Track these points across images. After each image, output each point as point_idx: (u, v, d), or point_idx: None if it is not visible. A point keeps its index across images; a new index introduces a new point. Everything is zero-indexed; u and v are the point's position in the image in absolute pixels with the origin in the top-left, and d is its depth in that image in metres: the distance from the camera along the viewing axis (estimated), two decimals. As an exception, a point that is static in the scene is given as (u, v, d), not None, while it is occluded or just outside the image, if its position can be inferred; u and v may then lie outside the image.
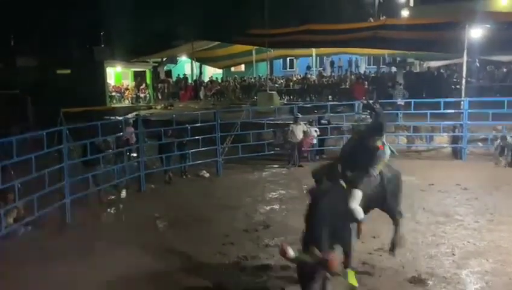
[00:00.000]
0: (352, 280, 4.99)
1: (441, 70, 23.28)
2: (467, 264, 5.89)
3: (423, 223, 7.33)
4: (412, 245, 6.37)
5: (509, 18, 15.46)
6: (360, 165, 5.27)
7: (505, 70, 22.53)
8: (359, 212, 5.17)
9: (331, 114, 13.55)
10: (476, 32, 13.90)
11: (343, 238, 4.95)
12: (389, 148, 5.71)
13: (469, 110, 12.25)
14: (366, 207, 5.32)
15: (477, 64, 21.38)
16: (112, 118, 16.37)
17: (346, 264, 5.09)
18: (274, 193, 9.89)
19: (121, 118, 14.34)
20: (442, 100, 12.60)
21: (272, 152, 12.98)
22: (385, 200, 5.54)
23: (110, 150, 10.15)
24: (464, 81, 14.44)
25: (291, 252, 4.28)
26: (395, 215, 5.76)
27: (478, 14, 14.66)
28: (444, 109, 12.54)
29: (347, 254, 5.07)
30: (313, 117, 13.88)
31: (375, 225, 6.89)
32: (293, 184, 10.66)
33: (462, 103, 12.76)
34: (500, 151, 11.42)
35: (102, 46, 27.64)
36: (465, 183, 9.58)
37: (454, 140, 12.88)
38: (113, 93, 25.32)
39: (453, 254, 6.18)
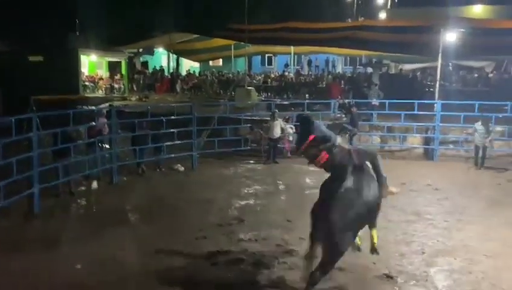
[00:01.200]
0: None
1: (417, 73, 23.80)
2: (435, 262, 6.01)
3: (394, 222, 7.44)
4: (383, 243, 6.43)
5: (482, 25, 15.89)
6: None
7: (476, 75, 23.19)
8: None
9: (301, 112, 13.63)
10: (450, 37, 14.21)
11: None
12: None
13: (441, 113, 12.54)
14: None
15: (450, 68, 21.93)
16: (84, 107, 15.98)
17: None
18: (249, 188, 9.87)
19: (94, 108, 13.99)
20: (416, 102, 12.84)
21: (249, 148, 12.96)
22: None
23: (82, 140, 9.90)
24: (437, 84, 14.74)
25: None
26: None
27: (453, 19, 15.00)
28: (417, 111, 12.79)
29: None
30: (290, 114, 13.94)
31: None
32: (268, 180, 10.69)
33: (435, 105, 13.05)
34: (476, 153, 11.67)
35: (77, 33, 26.94)
36: (436, 183, 9.79)
37: (427, 141, 13.17)
38: (87, 83, 24.73)
39: (423, 252, 6.29)
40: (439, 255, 6.22)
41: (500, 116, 12.31)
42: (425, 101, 14.11)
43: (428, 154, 12.90)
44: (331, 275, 5.55)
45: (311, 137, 4.87)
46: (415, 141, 13.39)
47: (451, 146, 13.08)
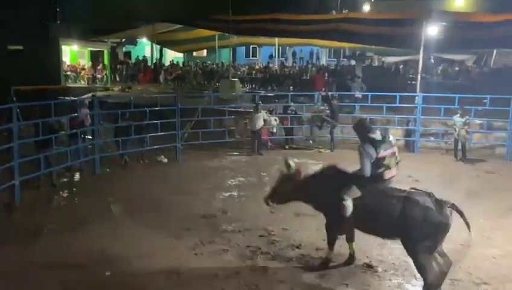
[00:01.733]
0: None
1: (399, 66, 24.06)
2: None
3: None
4: (365, 233, 6.56)
5: (464, 18, 16.10)
6: None
7: (457, 68, 23.55)
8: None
9: (288, 104, 13.71)
10: (432, 30, 14.37)
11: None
12: None
13: (422, 105, 12.74)
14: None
15: (432, 61, 22.22)
16: (66, 98, 15.75)
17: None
18: (233, 180, 9.90)
19: (76, 98, 13.80)
20: (397, 94, 13.01)
21: (233, 139, 12.97)
22: None
23: (64, 131, 9.79)
24: (419, 77, 14.93)
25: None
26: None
27: (435, 12, 15.17)
28: (399, 103, 12.96)
29: None
30: (274, 106, 13.99)
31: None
32: (252, 172, 10.73)
33: (416, 97, 13.25)
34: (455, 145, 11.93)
35: (58, 22, 26.39)
36: (417, 175, 9.95)
37: (408, 133, 13.37)
38: (68, 73, 24.36)
39: (403, 242, 6.42)
40: (419, 245, 6.36)
41: (480, 109, 12.56)
42: (407, 94, 14.29)
43: (409, 146, 13.11)
44: (313, 265, 5.69)
45: (395, 150, 5.22)
46: (396, 133, 13.53)
47: (431, 138, 13.31)
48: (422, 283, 5.31)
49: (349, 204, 5.09)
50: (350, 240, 5.62)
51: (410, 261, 5.82)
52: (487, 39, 15.65)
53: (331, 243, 5.62)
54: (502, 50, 21.69)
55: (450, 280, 5.32)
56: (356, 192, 5.11)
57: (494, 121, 12.60)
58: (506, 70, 20.51)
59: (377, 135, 5.20)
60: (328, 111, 13.34)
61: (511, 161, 11.82)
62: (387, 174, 5.11)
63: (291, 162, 5.62)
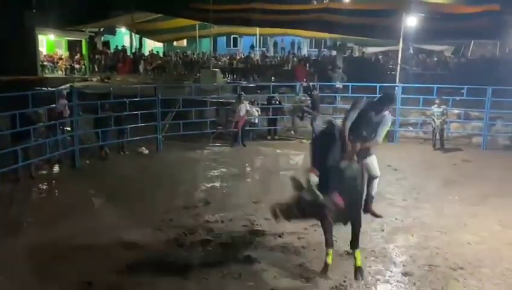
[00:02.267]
0: (359, 260, 5.19)
1: (379, 57, 24.29)
2: (393, 239, 6.30)
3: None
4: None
5: (442, 9, 16.33)
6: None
7: (435, 59, 23.92)
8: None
9: (272, 95, 13.70)
10: (411, 21, 14.54)
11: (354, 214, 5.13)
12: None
13: (402, 96, 12.92)
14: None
15: (411, 51, 22.50)
16: (43, 88, 15.42)
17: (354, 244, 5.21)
18: (215, 171, 9.91)
19: (53, 89, 13.53)
20: (377, 85, 13.13)
21: (215, 130, 12.95)
22: None
23: (42, 123, 9.61)
24: (398, 67, 15.11)
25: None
26: None
27: (413, 3, 15.33)
28: (379, 94, 13.08)
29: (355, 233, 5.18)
30: (256, 97, 13.99)
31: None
32: (234, 162, 10.75)
33: (395, 88, 13.42)
34: (433, 134, 12.17)
35: (34, 11, 25.70)
36: (396, 164, 10.15)
37: (388, 123, 13.53)
38: (46, 63, 23.81)
39: (382, 230, 6.57)
40: (397, 233, 6.53)
41: (457, 99, 12.81)
42: (387, 84, 14.42)
43: (388, 136, 13.29)
44: (295, 252, 5.78)
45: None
46: (376, 123, 13.73)
47: (410, 128, 13.53)
48: (401, 268, 5.48)
49: None
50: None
51: (390, 247, 6.00)
52: (464, 30, 15.94)
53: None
54: (479, 41, 22.15)
55: (428, 266, 5.48)
56: None
57: (471, 111, 12.88)
58: (483, 61, 20.94)
59: None
60: (309, 102, 13.42)
61: (487, 150, 12.13)
62: None
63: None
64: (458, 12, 15.73)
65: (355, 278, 5.12)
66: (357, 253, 5.21)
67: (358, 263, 5.18)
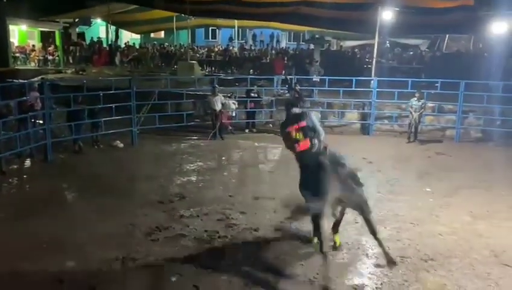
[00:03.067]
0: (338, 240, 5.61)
1: (355, 50, 24.45)
2: (367, 232, 6.34)
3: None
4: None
5: (417, 4, 16.51)
6: None
7: (411, 53, 24.25)
8: None
9: (251, 87, 13.65)
10: (386, 15, 14.67)
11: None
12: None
13: (377, 89, 13.06)
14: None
15: (388, 45, 22.73)
16: (14, 80, 14.98)
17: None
18: (191, 165, 9.83)
19: (25, 81, 13.16)
20: (353, 78, 13.25)
21: (192, 123, 12.84)
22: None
23: (12, 116, 9.34)
24: (374, 61, 15.26)
25: None
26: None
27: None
28: (355, 87, 13.22)
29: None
30: (234, 90, 13.92)
31: (287, 196, 7.22)
32: (211, 156, 10.70)
33: (371, 82, 13.56)
34: (409, 127, 12.35)
35: (5, 0, 24.89)
36: (371, 157, 10.26)
37: (363, 117, 13.70)
38: (17, 54, 23.14)
39: (356, 222, 6.60)
40: (371, 225, 6.59)
41: (432, 92, 13.03)
42: (363, 78, 14.58)
43: (364, 129, 13.45)
44: (271, 245, 5.80)
45: (303, 124, 4.92)
46: (352, 116, 13.88)
47: (386, 121, 13.71)
48: (373, 260, 5.56)
49: None
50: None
51: (364, 239, 6.07)
52: (439, 24, 16.17)
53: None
54: (453, 35, 22.53)
55: (400, 258, 5.56)
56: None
57: (445, 104, 13.12)
58: (458, 55, 21.33)
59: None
60: (286, 94, 13.42)
61: (460, 142, 12.41)
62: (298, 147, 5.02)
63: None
64: (433, 7, 15.93)
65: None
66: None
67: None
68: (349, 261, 5.52)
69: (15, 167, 9.32)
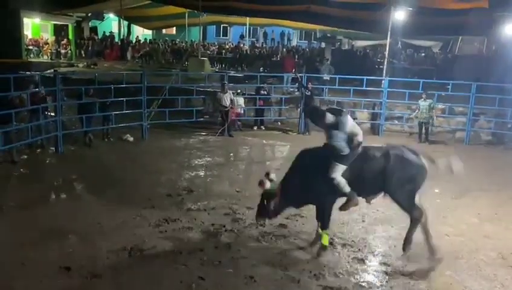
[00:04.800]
0: (325, 240, 5.52)
1: (367, 50, 24.34)
2: (374, 230, 6.38)
3: (338, 193, 7.74)
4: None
5: (430, 4, 16.38)
6: None
7: (423, 54, 24.07)
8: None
9: (261, 85, 13.66)
10: (399, 15, 14.58)
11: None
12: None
13: (388, 89, 13.00)
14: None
15: (400, 46, 22.59)
16: (27, 72, 15.16)
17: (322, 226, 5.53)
18: (200, 160, 9.89)
19: (37, 73, 13.31)
20: (364, 78, 13.20)
21: (201, 119, 12.89)
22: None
23: (25, 107, 9.46)
24: (385, 61, 15.18)
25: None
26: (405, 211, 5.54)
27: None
28: (366, 87, 13.17)
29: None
30: (243, 87, 13.95)
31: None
32: (219, 151, 10.75)
33: (382, 81, 13.49)
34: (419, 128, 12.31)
35: (19, -7, 25.15)
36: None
37: (374, 116, 13.65)
38: (30, 47, 23.39)
39: (363, 221, 6.64)
40: (378, 224, 6.60)
41: (443, 94, 12.95)
42: (373, 78, 14.51)
43: (374, 129, 13.40)
44: (276, 241, 5.82)
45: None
46: (362, 116, 13.83)
47: (396, 121, 13.64)
48: (380, 258, 5.56)
49: (340, 180, 5.21)
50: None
51: (370, 238, 6.07)
52: (452, 26, 16.03)
53: (327, 225, 5.53)
54: (467, 38, 22.30)
55: (406, 256, 5.55)
56: (342, 166, 5.20)
57: (456, 106, 13.02)
58: (470, 57, 21.12)
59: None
60: (296, 92, 13.42)
61: (470, 145, 12.30)
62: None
63: (272, 175, 5.54)
64: (446, 8, 15.79)
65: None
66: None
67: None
68: (355, 259, 5.51)
69: (26, 157, 9.44)
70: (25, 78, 11.69)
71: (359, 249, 5.75)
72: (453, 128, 13.18)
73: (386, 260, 5.49)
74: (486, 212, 7.16)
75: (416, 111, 12.13)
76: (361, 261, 5.47)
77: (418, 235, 5.99)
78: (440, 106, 12.87)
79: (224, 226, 6.23)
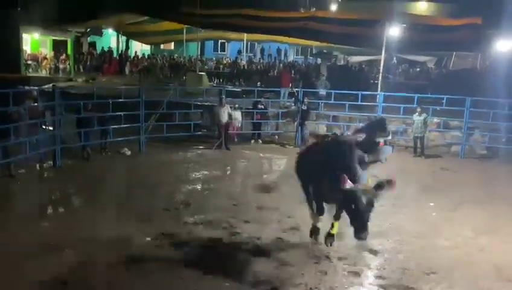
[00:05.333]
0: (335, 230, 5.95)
1: (362, 66, 24.62)
2: (369, 243, 6.40)
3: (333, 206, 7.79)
4: (323, 225, 6.77)
5: (424, 21, 16.69)
6: None
7: (418, 69, 24.36)
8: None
9: (258, 99, 13.80)
10: (393, 31, 14.82)
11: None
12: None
13: (383, 104, 13.15)
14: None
15: (395, 61, 22.88)
16: (26, 87, 15.24)
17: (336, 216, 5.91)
18: (197, 173, 9.94)
19: (36, 88, 13.41)
20: (359, 93, 13.35)
21: (199, 133, 12.97)
22: None
23: (23, 121, 9.51)
24: (380, 76, 15.37)
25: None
26: None
27: (397, 13, 15.64)
28: (361, 102, 13.32)
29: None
30: (241, 101, 14.08)
31: (291, 206, 7.30)
32: (217, 165, 10.80)
33: (377, 96, 13.66)
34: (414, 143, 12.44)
35: (19, 9, 25.40)
36: (375, 170, 10.25)
37: (369, 131, 13.73)
38: (29, 62, 23.55)
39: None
40: (373, 237, 6.55)
41: (438, 108, 13.09)
42: (368, 93, 14.69)
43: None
44: (273, 254, 5.86)
45: None
46: (358, 130, 13.91)
47: (390, 137, 13.71)
48: (375, 272, 5.59)
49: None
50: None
51: (365, 251, 6.11)
52: (446, 41, 16.26)
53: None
54: (460, 53, 22.63)
55: (401, 269, 5.60)
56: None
57: (451, 121, 13.16)
58: (464, 72, 21.39)
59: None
60: (293, 106, 13.55)
61: (465, 158, 12.41)
62: None
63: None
64: (440, 24, 16.07)
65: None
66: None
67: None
68: (350, 271, 5.55)
69: (24, 171, 9.46)
70: (24, 93, 11.75)
71: (354, 263, 5.78)
72: (448, 142, 13.30)
73: (382, 274, 5.52)
74: (481, 226, 7.21)
75: (412, 126, 12.25)
76: (357, 274, 5.51)
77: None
78: (435, 120, 13.01)
79: (221, 240, 6.26)
